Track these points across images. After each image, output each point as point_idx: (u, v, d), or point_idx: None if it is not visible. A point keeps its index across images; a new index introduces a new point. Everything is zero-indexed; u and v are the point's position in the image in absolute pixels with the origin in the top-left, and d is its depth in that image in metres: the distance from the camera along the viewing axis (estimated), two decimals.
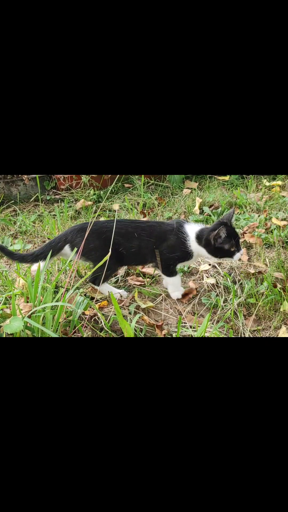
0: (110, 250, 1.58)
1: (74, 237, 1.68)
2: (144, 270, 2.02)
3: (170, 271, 1.74)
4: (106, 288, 1.79)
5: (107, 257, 1.52)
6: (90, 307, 1.65)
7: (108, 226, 1.69)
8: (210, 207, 2.76)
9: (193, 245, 1.68)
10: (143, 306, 1.73)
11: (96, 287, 1.78)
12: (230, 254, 1.65)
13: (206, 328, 1.36)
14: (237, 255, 1.66)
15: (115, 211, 2.76)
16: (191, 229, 1.70)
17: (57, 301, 1.43)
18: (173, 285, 1.81)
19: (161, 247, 1.69)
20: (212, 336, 1.47)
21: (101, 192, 2.98)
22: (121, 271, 1.99)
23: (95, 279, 1.73)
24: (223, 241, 1.61)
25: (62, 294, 1.43)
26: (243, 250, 1.68)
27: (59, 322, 1.43)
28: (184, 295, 1.84)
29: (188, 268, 2.04)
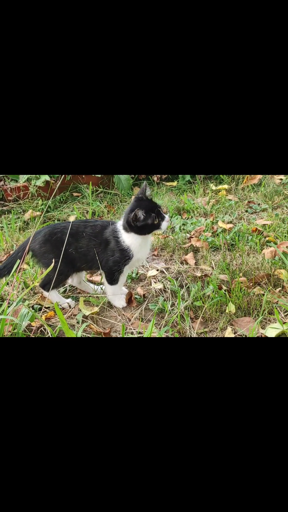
0: (54, 259, 1.57)
1: (32, 243, 1.67)
2: (92, 278, 2.02)
3: (113, 278, 1.73)
4: (54, 296, 1.77)
5: (51, 267, 1.51)
6: (37, 319, 1.63)
7: (59, 227, 1.68)
8: None
9: (125, 237, 1.67)
10: (87, 313, 1.72)
11: (45, 293, 1.76)
12: (157, 227, 1.64)
13: (151, 332, 1.38)
14: (164, 224, 1.65)
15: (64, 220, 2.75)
16: (119, 224, 1.70)
17: (1, 313, 1.40)
18: (114, 294, 1.79)
19: (106, 251, 1.68)
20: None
21: (49, 202, 2.96)
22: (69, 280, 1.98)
23: (45, 284, 1.72)
24: (144, 218, 1.60)
25: (5, 307, 1.41)
26: (167, 217, 1.67)
27: (3, 335, 1.41)
28: (129, 301, 1.84)
29: (136, 274, 2.05)
